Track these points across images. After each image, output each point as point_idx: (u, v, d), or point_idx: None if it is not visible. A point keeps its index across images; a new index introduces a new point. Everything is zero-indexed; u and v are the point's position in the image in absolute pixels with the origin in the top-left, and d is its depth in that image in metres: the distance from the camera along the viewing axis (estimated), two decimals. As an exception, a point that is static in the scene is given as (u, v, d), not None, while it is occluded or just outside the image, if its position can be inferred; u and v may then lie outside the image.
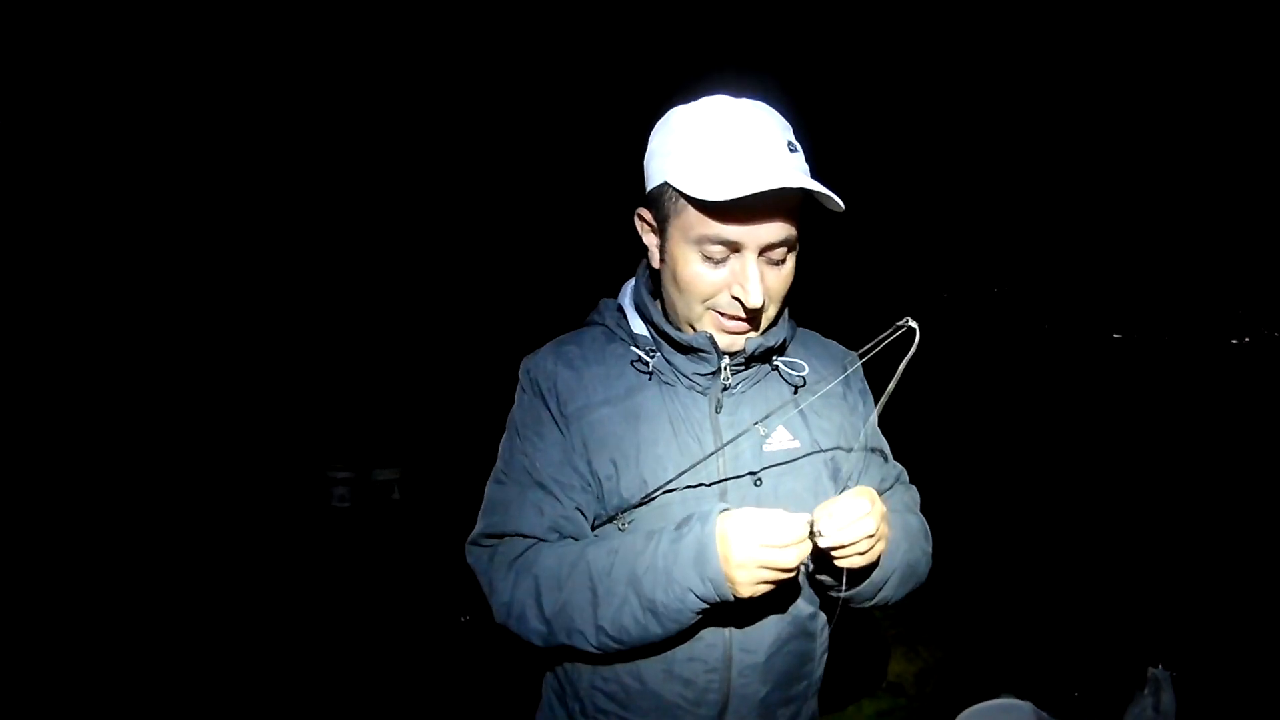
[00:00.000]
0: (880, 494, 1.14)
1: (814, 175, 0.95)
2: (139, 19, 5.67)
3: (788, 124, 0.98)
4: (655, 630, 0.92)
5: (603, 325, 1.11)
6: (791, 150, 0.93)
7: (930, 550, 1.13)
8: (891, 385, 0.88)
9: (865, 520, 0.85)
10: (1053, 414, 7.16)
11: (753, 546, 0.84)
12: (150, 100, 6.35)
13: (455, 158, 8.03)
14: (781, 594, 1.00)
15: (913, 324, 0.86)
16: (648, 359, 1.04)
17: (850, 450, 1.10)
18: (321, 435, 6.21)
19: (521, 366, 1.10)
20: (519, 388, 1.09)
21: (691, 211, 0.94)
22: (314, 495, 5.31)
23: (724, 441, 1.00)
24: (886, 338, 0.90)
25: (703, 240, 0.94)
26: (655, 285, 1.07)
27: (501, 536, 1.04)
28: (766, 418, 1.00)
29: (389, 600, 3.80)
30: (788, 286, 1.00)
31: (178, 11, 5.69)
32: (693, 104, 0.98)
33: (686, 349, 1.02)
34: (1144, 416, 6.88)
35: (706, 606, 0.90)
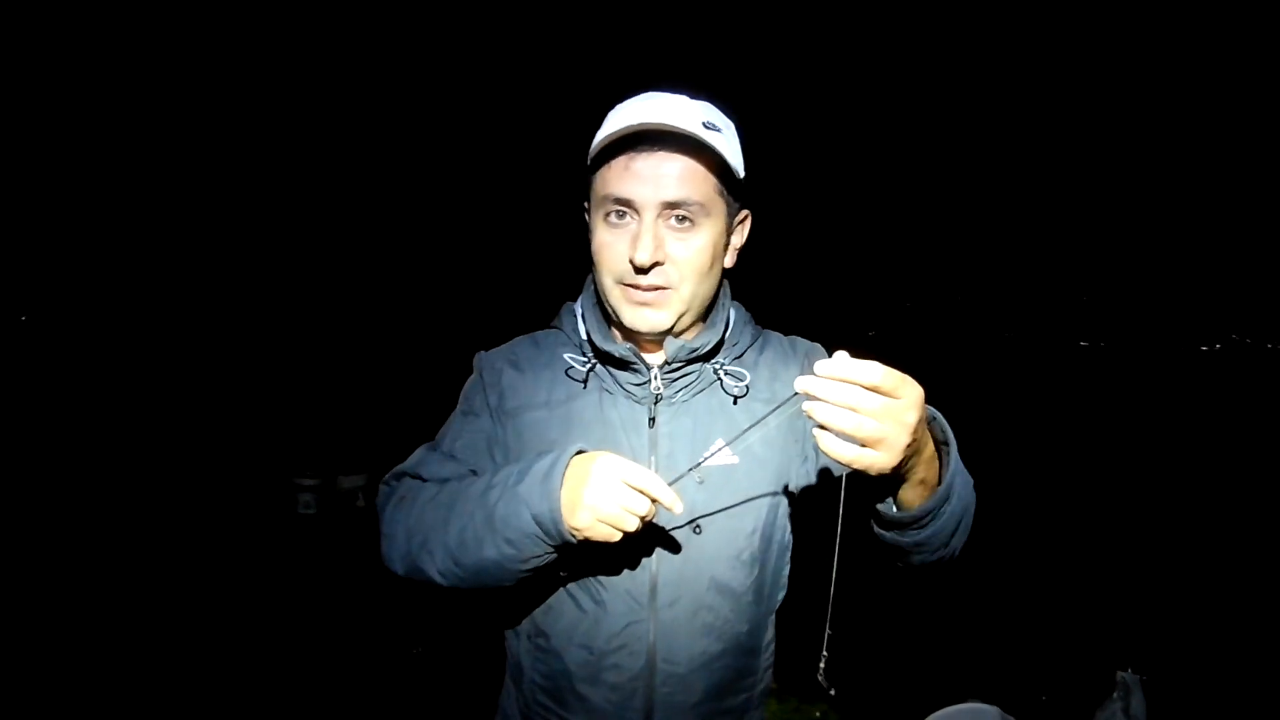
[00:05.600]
0: None
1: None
2: (135, 19, 5.56)
3: (724, 116, 0.98)
4: (490, 551, 0.90)
5: (560, 329, 1.12)
6: (708, 128, 0.92)
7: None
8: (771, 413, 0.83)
9: (861, 382, 0.69)
10: (1017, 421, 7.32)
11: (614, 483, 0.83)
12: (113, 106, 6.19)
13: (425, 167, 7.97)
14: (707, 612, 1.00)
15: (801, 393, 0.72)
16: (581, 367, 1.05)
17: (801, 454, 1.06)
18: (287, 441, 6.09)
19: (475, 357, 1.13)
20: (470, 377, 1.12)
21: (598, 178, 0.97)
22: (278, 502, 5.20)
23: (659, 454, 1.00)
24: (782, 405, 0.83)
25: (605, 203, 0.96)
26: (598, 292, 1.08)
27: (402, 477, 1.08)
28: (704, 460, 0.93)
29: (354, 608, 3.74)
30: (702, 260, 0.96)
31: (163, 11, 5.59)
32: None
33: (612, 359, 1.03)
34: (1111, 423, 7.04)
35: (540, 533, 0.87)
